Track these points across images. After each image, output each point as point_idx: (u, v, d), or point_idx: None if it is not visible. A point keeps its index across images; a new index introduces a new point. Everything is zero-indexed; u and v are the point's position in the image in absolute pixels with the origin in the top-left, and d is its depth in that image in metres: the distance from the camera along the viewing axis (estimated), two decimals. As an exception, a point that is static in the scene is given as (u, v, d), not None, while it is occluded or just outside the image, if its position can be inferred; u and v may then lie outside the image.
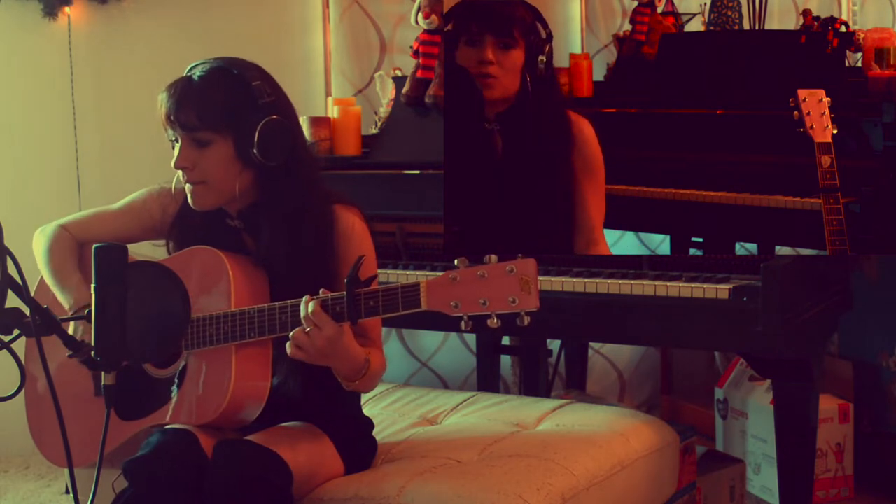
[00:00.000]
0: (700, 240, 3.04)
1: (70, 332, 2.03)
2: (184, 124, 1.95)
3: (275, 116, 1.96)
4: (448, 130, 2.09)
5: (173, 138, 1.98)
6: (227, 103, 1.95)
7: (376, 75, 3.23)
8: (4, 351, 1.64)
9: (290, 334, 1.86)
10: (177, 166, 1.98)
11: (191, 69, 2.00)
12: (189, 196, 2.01)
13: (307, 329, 1.83)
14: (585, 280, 2.41)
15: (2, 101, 3.65)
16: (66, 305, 2.06)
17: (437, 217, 2.58)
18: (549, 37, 2.07)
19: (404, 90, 2.91)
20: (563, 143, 2.09)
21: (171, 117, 1.95)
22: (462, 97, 2.05)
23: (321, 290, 1.87)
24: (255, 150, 1.95)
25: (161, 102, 1.97)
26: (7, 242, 1.58)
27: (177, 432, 1.91)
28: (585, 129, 2.12)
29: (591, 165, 2.13)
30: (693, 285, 2.29)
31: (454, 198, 2.09)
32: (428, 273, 2.61)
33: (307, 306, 1.83)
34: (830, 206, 2.29)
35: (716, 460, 2.88)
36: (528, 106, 2.06)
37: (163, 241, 2.15)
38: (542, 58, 2.04)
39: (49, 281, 2.12)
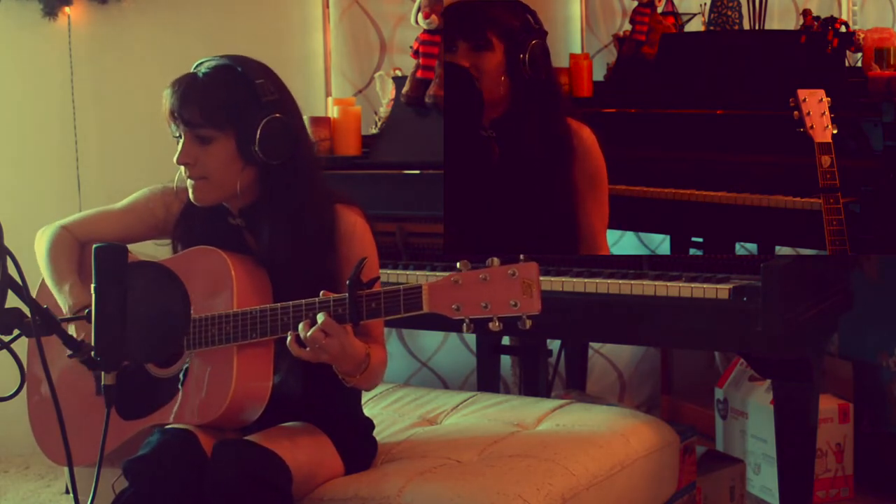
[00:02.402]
0: (700, 240, 3.04)
1: (71, 331, 2.04)
2: (187, 121, 1.95)
3: (277, 115, 1.96)
4: (447, 134, 2.08)
5: (177, 134, 1.99)
6: (230, 101, 1.95)
7: (376, 75, 3.23)
8: (5, 351, 1.64)
9: (303, 336, 1.85)
10: (179, 162, 1.98)
11: (197, 66, 2.01)
12: (190, 191, 2.01)
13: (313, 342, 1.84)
14: (585, 280, 2.41)
15: (2, 101, 3.65)
16: (64, 309, 2.06)
17: (437, 217, 2.58)
18: (538, 34, 1.99)
19: (404, 90, 2.91)
20: (562, 152, 2.02)
21: (175, 113, 1.96)
22: (461, 100, 2.00)
23: (322, 292, 1.87)
24: (256, 148, 1.95)
25: (165, 98, 1.98)
26: (7, 242, 1.58)
27: (177, 432, 1.91)
28: (586, 138, 2.05)
29: (593, 176, 2.07)
30: (693, 285, 2.29)
31: (454, 199, 2.08)
32: (428, 273, 2.61)
33: (318, 317, 1.84)
34: (830, 206, 2.29)
35: (716, 460, 2.88)
36: (520, 112, 2.00)
37: (165, 241, 2.16)
38: (524, 56, 1.97)
39: (48, 283, 2.12)
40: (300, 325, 1.86)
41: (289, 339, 1.88)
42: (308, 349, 1.86)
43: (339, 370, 1.93)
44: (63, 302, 2.07)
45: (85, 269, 2.12)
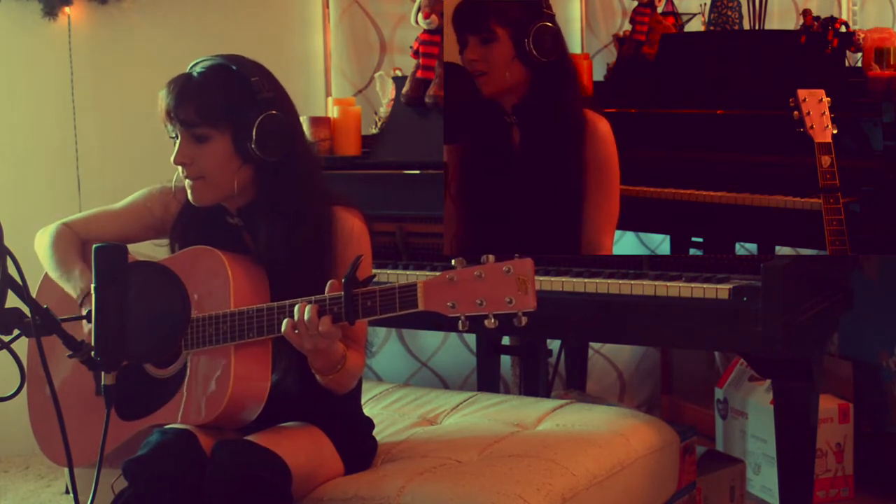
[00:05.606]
0: (700, 240, 3.04)
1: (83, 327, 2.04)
2: (183, 120, 1.96)
3: (273, 112, 1.96)
4: (448, 126, 2.08)
5: (174, 135, 1.99)
6: (226, 99, 1.96)
7: (376, 75, 3.24)
8: (5, 351, 1.64)
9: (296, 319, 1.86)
10: (176, 162, 1.99)
11: (192, 66, 2.02)
12: (189, 191, 2.02)
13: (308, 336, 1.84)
14: (585, 280, 2.41)
15: (2, 102, 3.65)
16: (73, 294, 2.07)
17: (437, 217, 2.58)
18: (544, 17, 2.03)
19: (404, 90, 2.91)
20: (577, 135, 2.04)
21: (171, 113, 1.96)
22: (473, 93, 2.03)
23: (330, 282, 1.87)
24: (253, 146, 1.95)
25: (161, 98, 1.98)
26: (7, 242, 1.58)
27: (176, 432, 1.91)
28: (601, 129, 2.06)
29: (602, 167, 2.06)
30: (693, 285, 2.29)
31: (461, 193, 2.08)
32: (427, 273, 2.61)
33: (307, 313, 1.84)
34: (830, 206, 2.29)
35: (716, 460, 2.88)
36: (536, 94, 2.03)
37: (164, 241, 2.16)
38: (528, 40, 2.00)
39: (54, 274, 2.12)
40: (295, 308, 1.87)
41: (285, 325, 1.88)
42: (297, 332, 1.86)
43: (314, 366, 1.94)
44: (73, 288, 2.07)
45: (87, 263, 2.12)
